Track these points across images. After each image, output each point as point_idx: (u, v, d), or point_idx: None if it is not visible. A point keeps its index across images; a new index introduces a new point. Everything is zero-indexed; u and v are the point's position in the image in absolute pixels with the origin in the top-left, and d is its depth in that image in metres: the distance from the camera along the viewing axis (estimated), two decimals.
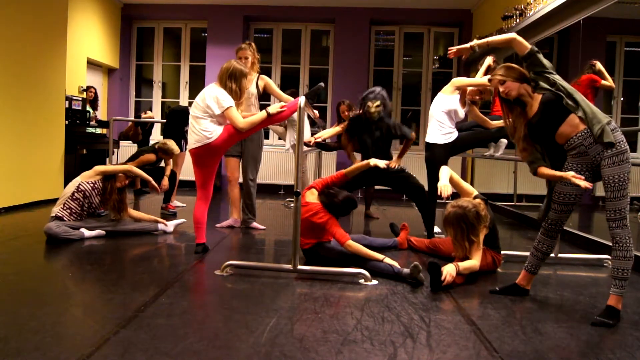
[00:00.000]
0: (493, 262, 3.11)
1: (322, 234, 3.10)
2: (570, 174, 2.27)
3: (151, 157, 5.15)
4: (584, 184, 2.23)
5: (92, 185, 3.77)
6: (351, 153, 4.40)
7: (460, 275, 2.79)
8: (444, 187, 3.05)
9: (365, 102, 4.10)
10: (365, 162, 3.40)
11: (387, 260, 2.93)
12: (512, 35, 2.53)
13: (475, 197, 3.07)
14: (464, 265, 2.79)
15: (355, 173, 3.40)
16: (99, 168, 3.88)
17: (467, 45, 2.83)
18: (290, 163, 7.55)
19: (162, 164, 5.29)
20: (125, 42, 8.11)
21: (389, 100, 4.19)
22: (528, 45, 2.45)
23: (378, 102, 4.03)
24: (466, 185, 3.27)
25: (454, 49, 2.95)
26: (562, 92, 2.33)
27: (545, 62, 2.40)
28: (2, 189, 4.77)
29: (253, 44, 4.19)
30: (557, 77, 2.38)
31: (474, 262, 2.84)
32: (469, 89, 4.03)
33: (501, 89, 2.45)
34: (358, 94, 5.21)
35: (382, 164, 3.31)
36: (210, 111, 3.18)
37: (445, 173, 3.17)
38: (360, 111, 4.17)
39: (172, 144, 5.07)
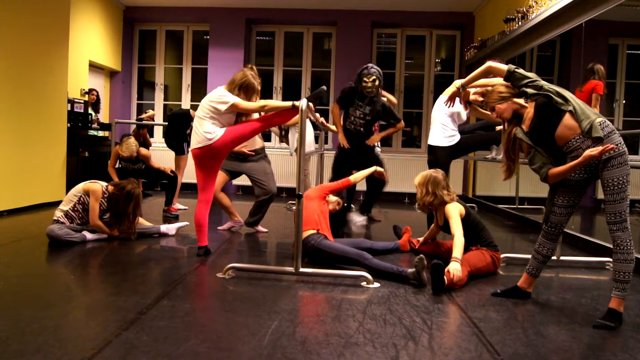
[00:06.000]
0: (493, 262, 3.10)
1: (322, 219, 3.29)
2: (584, 156, 2.22)
3: (115, 148, 5.30)
4: (599, 150, 2.19)
5: None
6: (338, 118, 4.68)
7: (464, 267, 2.84)
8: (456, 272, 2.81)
9: (361, 78, 4.29)
10: (369, 170, 3.72)
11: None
12: (487, 64, 2.62)
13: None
14: (458, 250, 2.86)
15: (360, 179, 3.70)
16: (92, 189, 3.70)
17: (454, 88, 3.04)
18: (292, 166, 7.56)
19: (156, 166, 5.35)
20: (127, 45, 8.14)
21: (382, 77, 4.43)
22: (504, 67, 2.50)
23: (374, 77, 4.16)
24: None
25: (447, 100, 3.17)
26: (550, 92, 2.36)
27: (527, 73, 2.45)
28: (4, 192, 4.78)
29: (254, 67, 4.14)
30: (542, 82, 2.42)
31: (458, 240, 2.91)
32: (472, 90, 4.01)
33: (494, 115, 2.57)
34: None
35: None
36: (215, 111, 3.18)
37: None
38: (355, 85, 4.41)
39: (130, 142, 5.09)
